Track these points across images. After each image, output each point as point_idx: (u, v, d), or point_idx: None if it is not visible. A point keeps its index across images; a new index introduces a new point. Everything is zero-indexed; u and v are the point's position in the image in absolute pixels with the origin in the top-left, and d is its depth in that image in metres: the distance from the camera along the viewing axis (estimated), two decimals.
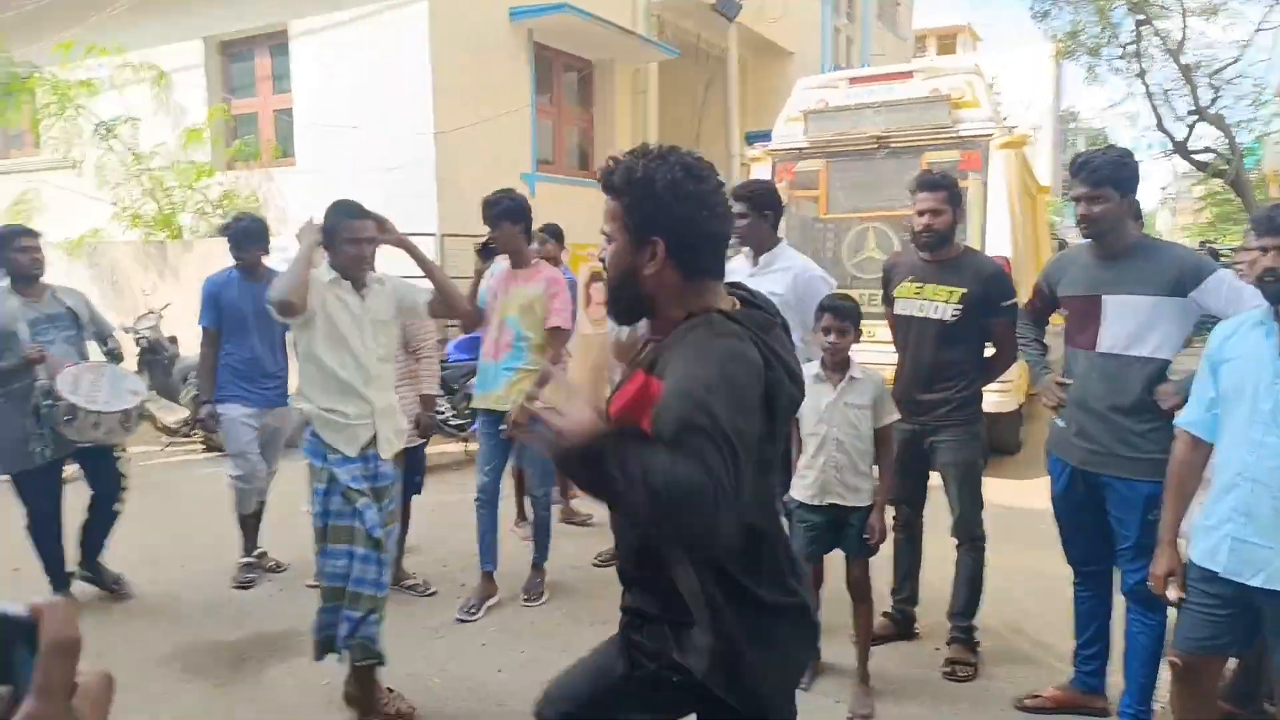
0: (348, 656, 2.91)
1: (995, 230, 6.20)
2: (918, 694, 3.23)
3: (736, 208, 3.53)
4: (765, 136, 8.04)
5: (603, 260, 1.70)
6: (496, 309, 3.91)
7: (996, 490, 5.34)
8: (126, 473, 4.15)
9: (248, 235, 4.36)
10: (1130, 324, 2.72)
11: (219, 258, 7.97)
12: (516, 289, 3.91)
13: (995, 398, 5.86)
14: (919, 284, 3.35)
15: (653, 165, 1.53)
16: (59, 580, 3.96)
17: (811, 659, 1.79)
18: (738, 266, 3.87)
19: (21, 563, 4.04)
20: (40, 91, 8.34)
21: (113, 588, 4.10)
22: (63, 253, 8.22)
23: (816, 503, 3.14)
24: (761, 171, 7.14)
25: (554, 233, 5.80)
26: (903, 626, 3.70)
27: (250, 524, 4.43)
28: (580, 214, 8.09)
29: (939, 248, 3.30)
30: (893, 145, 6.58)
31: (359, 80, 7.80)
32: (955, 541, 3.43)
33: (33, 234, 4.02)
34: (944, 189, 3.26)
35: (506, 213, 3.83)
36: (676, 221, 1.52)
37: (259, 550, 4.50)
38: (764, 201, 3.50)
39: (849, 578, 3.24)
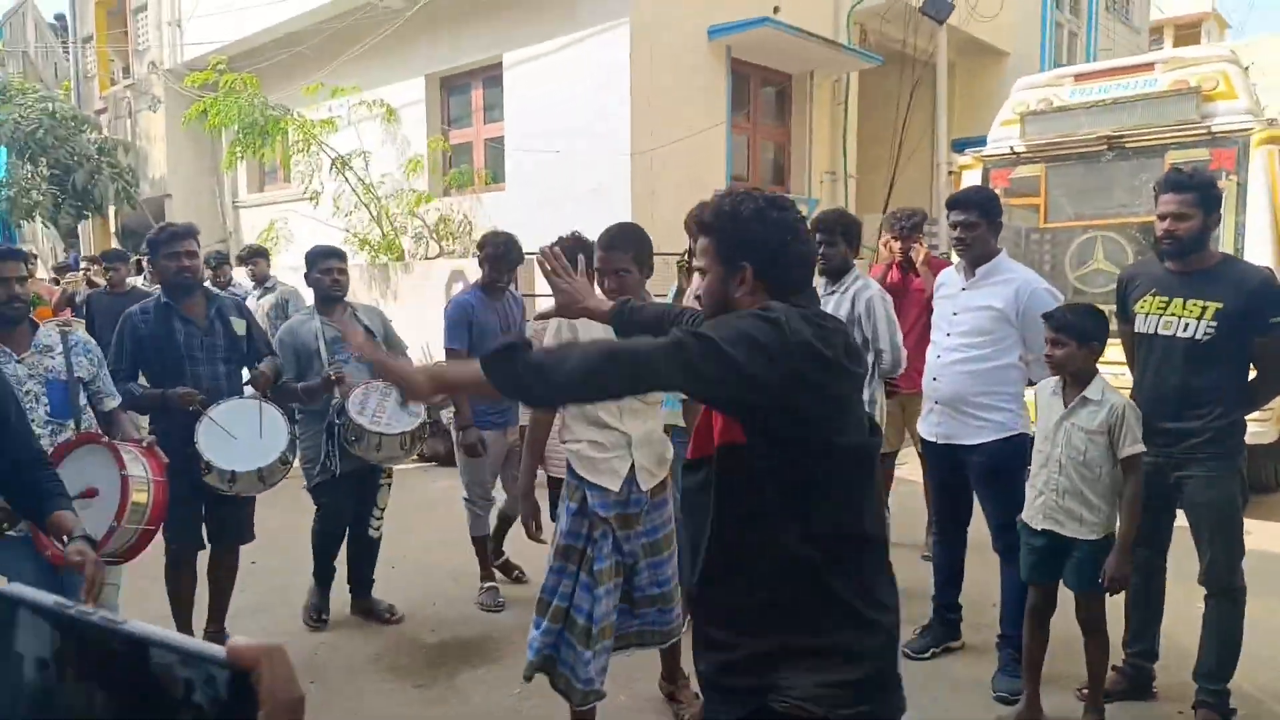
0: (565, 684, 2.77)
1: (1254, 237, 5.43)
2: None
3: (955, 216, 3.36)
4: (975, 143, 7.56)
5: (698, 298, 1.88)
6: None
7: (1255, 534, 4.67)
8: (384, 503, 4.14)
9: (506, 256, 4.28)
10: None
11: (435, 278, 8.59)
12: None
13: (1253, 427, 5.11)
14: (1164, 298, 2.95)
15: (738, 199, 1.73)
16: (323, 580, 4.08)
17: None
18: (948, 279, 3.64)
19: (260, 557, 4.34)
20: (291, 130, 9.31)
21: (386, 617, 4.06)
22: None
23: (1035, 525, 2.98)
24: (972, 179, 6.67)
25: None
26: (1136, 683, 3.27)
27: (484, 545, 4.39)
28: None
29: (1184, 256, 2.89)
30: (1127, 145, 5.94)
31: (564, 106, 8.10)
32: (1204, 592, 2.99)
33: (339, 255, 4.08)
34: (1192, 190, 2.86)
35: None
36: (762, 245, 1.68)
37: (503, 558, 4.54)
38: (989, 208, 3.39)
39: (1077, 612, 2.99)
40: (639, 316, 2.14)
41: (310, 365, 3.92)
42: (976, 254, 3.41)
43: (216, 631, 3.70)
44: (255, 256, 7.42)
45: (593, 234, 3.23)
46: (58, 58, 16.24)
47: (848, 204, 9.95)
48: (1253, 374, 2.95)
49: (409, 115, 9.61)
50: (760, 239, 1.68)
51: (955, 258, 3.60)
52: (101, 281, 7.36)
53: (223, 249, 8.57)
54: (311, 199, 9.56)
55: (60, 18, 15.63)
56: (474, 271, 8.79)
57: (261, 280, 7.24)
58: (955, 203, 3.46)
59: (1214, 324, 2.83)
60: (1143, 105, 5.88)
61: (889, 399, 4.37)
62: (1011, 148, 6.44)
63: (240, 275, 7.92)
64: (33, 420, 2.69)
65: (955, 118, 11.04)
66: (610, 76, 7.73)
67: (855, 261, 4.01)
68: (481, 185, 9.33)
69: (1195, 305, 2.87)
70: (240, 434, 3.44)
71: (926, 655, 3.68)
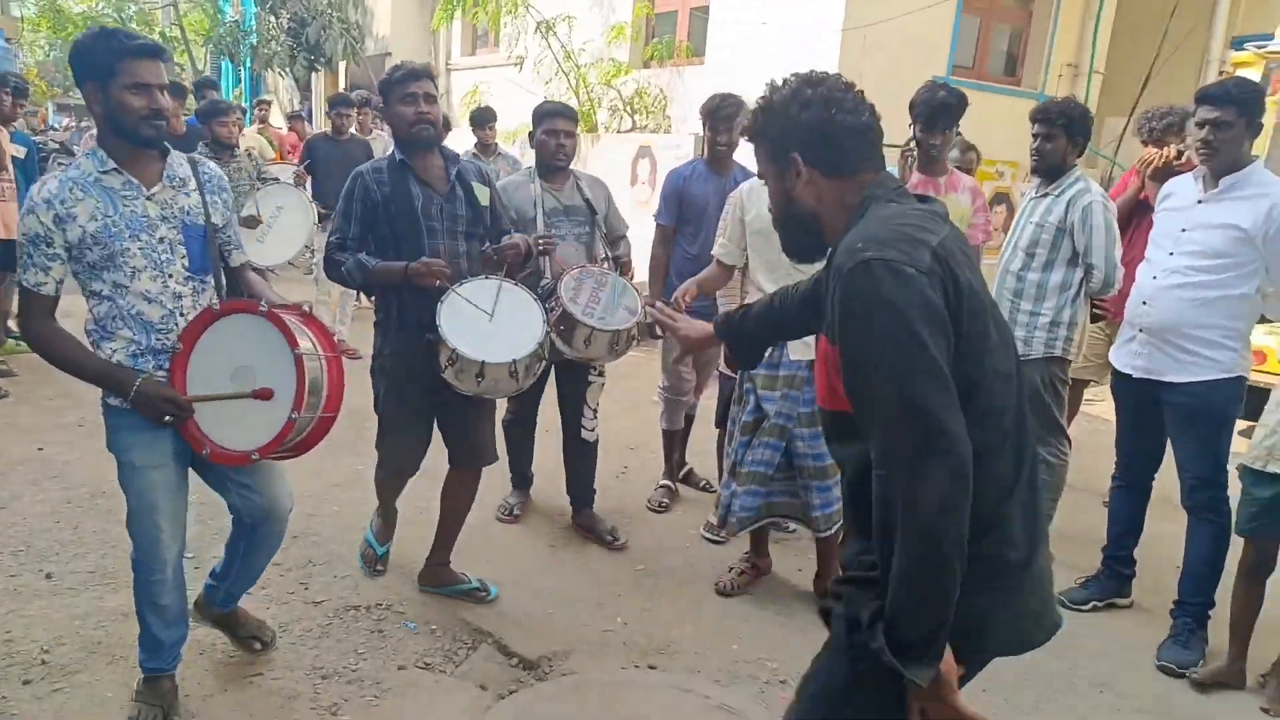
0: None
1: None
2: None
3: (1204, 113, 2.83)
4: (1261, 40, 6.38)
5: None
6: None
7: None
8: (596, 402, 3.72)
9: (719, 110, 3.82)
10: None
11: (624, 152, 8.45)
12: (947, 199, 3.44)
13: None
14: None
15: (770, 93, 1.57)
16: (520, 477, 3.95)
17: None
18: (1179, 189, 3.09)
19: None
20: None
21: (609, 540, 3.67)
22: (503, 140, 9.26)
23: (1259, 468, 2.68)
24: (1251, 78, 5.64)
25: (966, 146, 5.22)
26: None
27: (675, 440, 4.23)
28: (1000, 128, 7.15)
29: None
30: None
31: None
32: None
33: (569, 115, 3.63)
34: None
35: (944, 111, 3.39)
36: (804, 127, 1.50)
37: (686, 468, 4.37)
38: (1250, 105, 2.83)
39: None
40: (747, 325, 1.98)
41: (524, 231, 3.45)
42: (1224, 161, 2.87)
43: (441, 564, 3.21)
44: (489, 121, 6.71)
45: None
46: None
47: (1089, 102, 8.77)
48: None
49: None
50: (800, 122, 1.50)
51: (1197, 164, 3.01)
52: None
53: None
54: (516, 64, 9.59)
55: None
56: (664, 146, 8.63)
57: (489, 149, 6.68)
58: (1207, 96, 2.88)
59: None
60: None
61: (1094, 323, 3.84)
62: None
63: (459, 140, 7.49)
64: (169, 275, 2.22)
65: (1241, 8, 9.34)
66: None
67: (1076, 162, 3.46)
68: (682, 59, 8.98)
69: None
70: (495, 316, 2.87)
71: (1086, 608, 3.33)
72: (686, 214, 3.93)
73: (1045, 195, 3.43)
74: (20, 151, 5.80)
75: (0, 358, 5.59)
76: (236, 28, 15.30)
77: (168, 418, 2.20)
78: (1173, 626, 3.07)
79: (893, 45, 7.15)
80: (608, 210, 3.78)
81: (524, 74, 9.34)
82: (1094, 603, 3.36)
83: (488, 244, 3.03)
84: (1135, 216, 4.02)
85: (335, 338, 2.68)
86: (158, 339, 2.24)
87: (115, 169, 2.17)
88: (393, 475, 3.20)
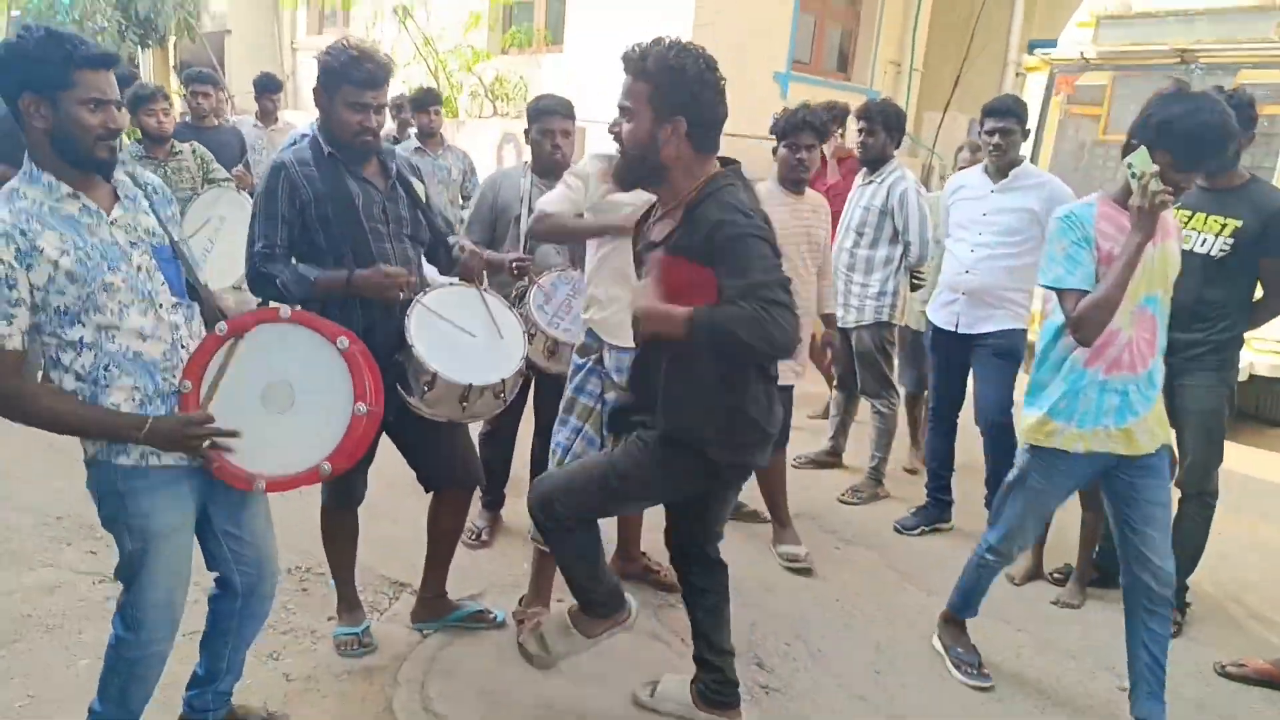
0: None
1: None
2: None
3: (992, 123, 3.57)
4: (1051, 45, 7.34)
5: (615, 132, 2.09)
6: None
7: (1247, 458, 4.85)
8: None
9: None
10: None
11: (487, 138, 8.66)
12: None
13: (1271, 360, 5.19)
14: (1188, 212, 3.04)
15: (683, 55, 1.91)
16: (491, 498, 3.67)
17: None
18: (969, 181, 3.76)
19: None
20: None
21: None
22: None
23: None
24: (1037, 82, 6.57)
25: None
26: (1108, 575, 3.54)
27: None
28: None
29: (1211, 174, 2.96)
30: (1200, 59, 5.77)
31: None
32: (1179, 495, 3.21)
33: (567, 112, 3.25)
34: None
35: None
36: (697, 103, 1.92)
37: None
38: (1024, 117, 3.70)
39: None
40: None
41: (505, 232, 3.27)
42: (1009, 160, 3.64)
43: (437, 596, 2.95)
44: (432, 104, 5.39)
45: None
46: None
47: (910, 97, 9.74)
48: (1258, 294, 3.06)
49: None
50: (699, 97, 1.93)
51: (985, 161, 3.77)
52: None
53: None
54: (372, 45, 9.54)
55: None
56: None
57: (434, 139, 5.43)
58: (993, 110, 3.65)
59: (1230, 241, 2.93)
60: (1220, 19, 5.68)
61: (913, 291, 4.52)
62: (1082, 53, 6.27)
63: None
64: (159, 305, 1.93)
65: (1036, 16, 10.58)
66: None
67: (894, 153, 4.09)
68: (541, 46, 9.26)
69: (1216, 221, 2.96)
70: (475, 331, 2.58)
71: (915, 532, 3.98)
72: None
73: (870, 183, 4.05)
74: None
75: None
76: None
77: (204, 445, 1.91)
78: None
79: (740, 42, 7.73)
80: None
81: None
82: (922, 528, 4.00)
83: (459, 246, 2.71)
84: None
85: None
86: (164, 379, 1.93)
87: (71, 194, 1.85)
88: (344, 506, 2.78)
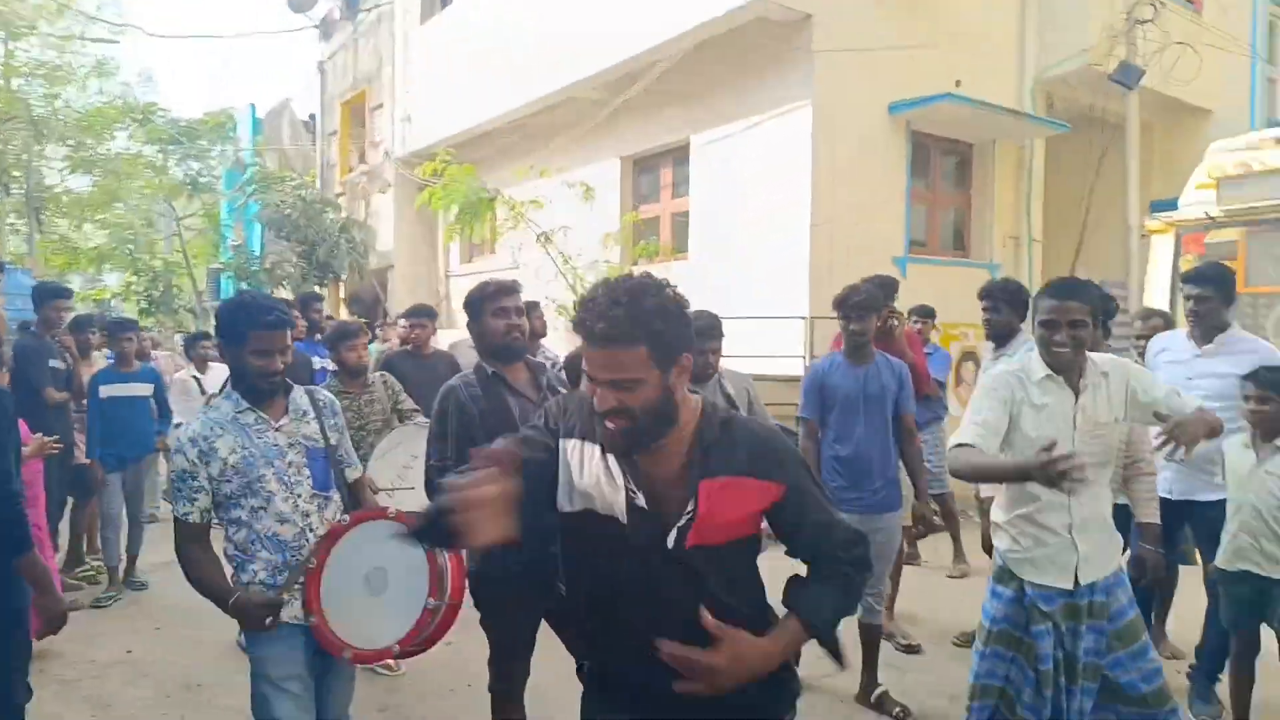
0: None
1: None
2: None
3: (1188, 289, 3.80)
4: (1174, 205, 7.41)
5: (621, 409, 1.62)
6: None
7: None
8: None
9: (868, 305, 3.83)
10: None
11: None
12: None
13: None
14: None
15: (650, 297, 1.60)
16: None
17: None
18: (1172, 344, 3.95)
19: None
20: (500, 209, 10.47)
21: None
22: None
23: (1229, 569, 3.31)
24: (1163, 244, 6.60)
25: (925, 312, 6.04)
26: None
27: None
28: (954, 293, 8.06)
29: None
30: None
31: (747, 181, 8.65)
32: None
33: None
34: None
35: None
36: (690, 334, 1.66)
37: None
38: (1223, 284, 3.77)
39: None
40: None
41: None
42: (1210, 325, 3.76)
43: None
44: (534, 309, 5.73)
45: (770, 299, 3.63)
46: (307, 149, 18.79)
47: (1031, 268, 9.83)
48: None
49: (605, 193, 10.52)
50: (689, 330, 1.67)
51: (1187, 326, 3.91)
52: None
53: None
54: (517, 268, 10.60)
55: (312, 116, 18.11)
56: None
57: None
58: (1189, 279, 3.84)
59: None
60: None
61: None
62: (1206, 212, 6.31)
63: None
64: (298, 495, 2.48)
65: (1155, 178, 10.66)
66: (792, 153, 8.21)
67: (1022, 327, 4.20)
68: (668, 256, 10.03)
69: None
70: None
71: None
72: (836, 410, 3.85)
73: (1000, 356, 4.14)
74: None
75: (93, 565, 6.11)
76: (245, 252, 16.56)
77: (297, 622, 2.39)
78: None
79: (857, 233, 8.15)
80: (750, 402, 3.91)
81: (525, 279, 10.33)
82: None
83: None
84: None
85: None
86: (293, 555, 2.46)
87: (248, 408, 2.50)
88: (506, 669, 2.92)
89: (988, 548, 3.23)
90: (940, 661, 4.38)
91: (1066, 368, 2.61)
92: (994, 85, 9.27)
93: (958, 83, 8.72)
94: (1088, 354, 2.64)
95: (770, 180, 8.42)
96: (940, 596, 5.42)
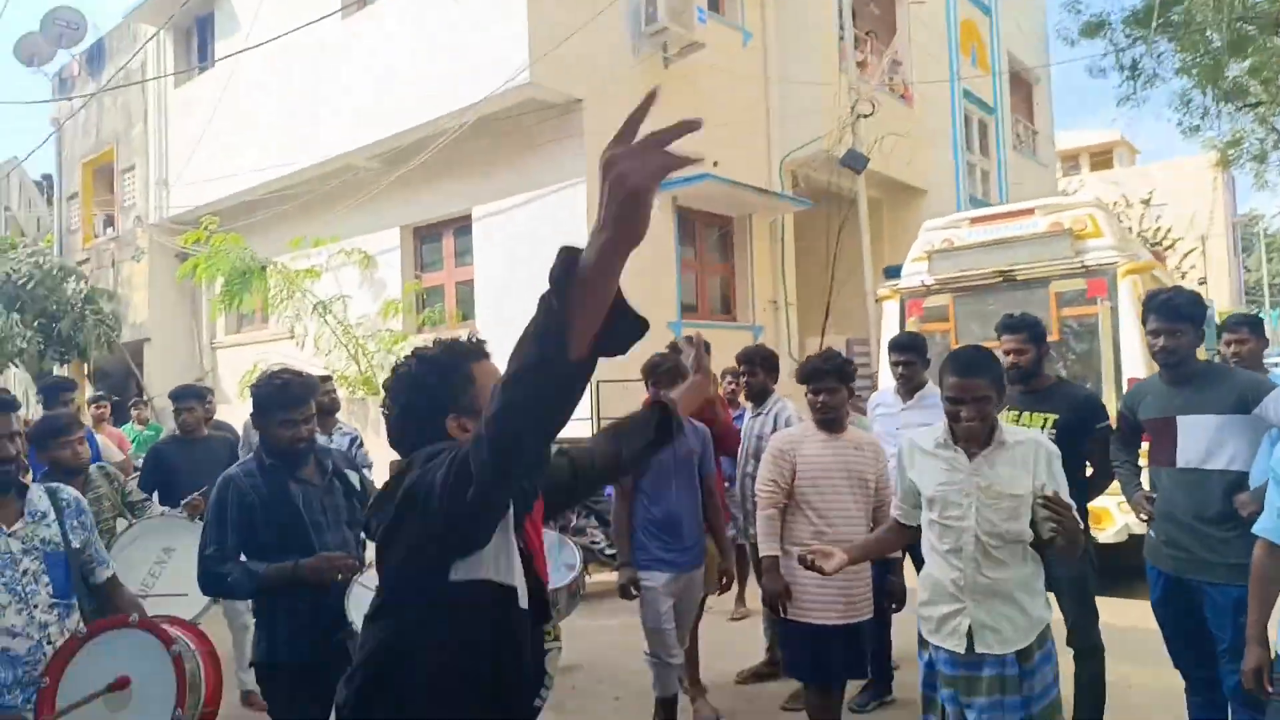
0: None
1: (1128, 352, 6.32)
2: None
3: (895, 356, 4.49)
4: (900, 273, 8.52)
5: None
6: None
7: (1120, 611, 5.26)
8: (553, 673, 3.10)
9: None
10: (1203, 441, 3.00)
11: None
12: None
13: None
14: (1017, 412, 3.70)
15: (406, 367, 1.91)
16: None
17: None
18: (883, 400, 4.49)
19: None
20: (273, 279, 10.11)
21: None
22: None
23: None
24: (891, 308, 7.61)
25: (737, 374, 6.57)
26: None
27: (669, 710, 3.94)
28: (726, 352, 8.76)
29: (1027, 380, 3.66)
30: (1018, 278, 6.90)
31: (527, 251, 8.98)
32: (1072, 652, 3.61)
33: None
34: (1023, 330, 3.65)
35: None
36: (450, 388, 1.92)
37: None
38: (923, 351, 4.60)
39: None
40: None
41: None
42: (912, 384, 4.49)
43: None
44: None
45: None
46: (40, 212, 17.05)
47: (789, 329, 10.89)
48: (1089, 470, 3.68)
49: (385, 261, 10.46)
50: (445, 383, 1.87)
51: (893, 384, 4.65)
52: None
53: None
54: (293, 338, 10.24)
55: (47, 177, 16.50)
56: None
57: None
58: (894, 346, 4.57)
59: (1054, 432, 3.58)
60: (1027, 244, 6.88)
61: None
62: (922, 281, 7.38)
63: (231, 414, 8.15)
64: (34, 606, 2.32)
65: (885, 248, 12.20)
66: (570, 225, 8.66)
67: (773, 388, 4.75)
68: (454, 323, 10.11)
69: (1038, 417, 3.63)
70: None
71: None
72: (649, 473, 3.86)
73: (758, 415, 4.66)
74: None
75: None
76: None
77: None
78: None
79: (633, 300, 8.66)
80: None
81: (303, 348, 10.00)
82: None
83: None
84: None
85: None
86: (25, 672, 2.29)
87: None
88: None
89: (767, 600, 3.55)
90: (725, 699, 4.70)
91: (971, 438, 2.63)
92: (747, 166, 10.29)
93: (715, 164, 9.60)
94: (1000, 424, 2.67)
95: (552, 250, 8.64)
96: (721, 639, 5.81)
